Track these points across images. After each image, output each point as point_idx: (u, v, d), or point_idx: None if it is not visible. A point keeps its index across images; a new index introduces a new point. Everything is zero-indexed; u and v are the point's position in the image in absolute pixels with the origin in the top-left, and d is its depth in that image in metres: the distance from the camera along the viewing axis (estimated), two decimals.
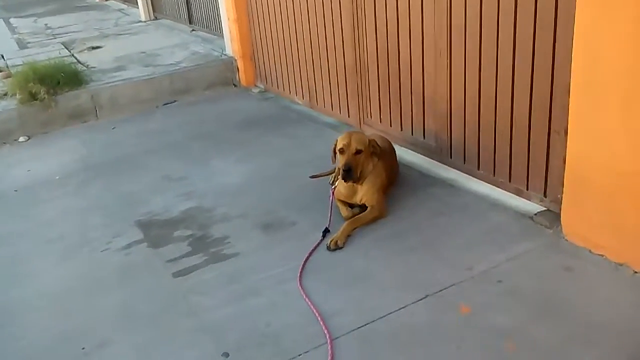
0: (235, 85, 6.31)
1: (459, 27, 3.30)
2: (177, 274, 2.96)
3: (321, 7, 4.60)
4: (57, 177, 4.32)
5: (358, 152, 3.18)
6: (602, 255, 2.68)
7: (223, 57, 6.40)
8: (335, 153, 3.33)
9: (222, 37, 6.77)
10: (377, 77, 4.17)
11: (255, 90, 6.08)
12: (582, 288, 2.54)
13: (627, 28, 2.34)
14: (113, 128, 5.33)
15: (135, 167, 4.38)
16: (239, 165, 4.22)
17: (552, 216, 3.00)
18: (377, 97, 4.22)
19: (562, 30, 2.72)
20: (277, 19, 5.33)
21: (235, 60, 6.25)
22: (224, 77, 6.29)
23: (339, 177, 3.30)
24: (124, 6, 11.13)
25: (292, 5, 5.02)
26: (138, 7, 9.45)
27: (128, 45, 7.53)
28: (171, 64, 6.36)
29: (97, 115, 5.59)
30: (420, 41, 3.63)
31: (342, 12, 4.36)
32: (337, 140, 3.31)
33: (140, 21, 9.38)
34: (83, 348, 2.50)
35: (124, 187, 4.06)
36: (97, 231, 3.46)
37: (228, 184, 3.95)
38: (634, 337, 2.23)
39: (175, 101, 5.92)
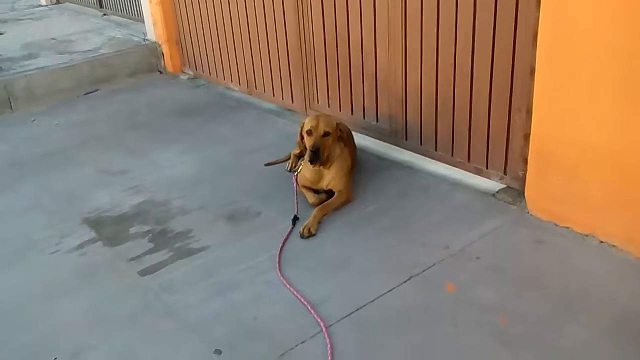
0: (160, 72, 6.00)
1: (415, 5, 3.32)
2: (143, 273, 2.77)
3: None
4: None
5: (326, 134, 3.13)
6: (568, 228, 2.83)
7: (145, 42, 6.05)
8: (302, 136, 3.25)
9: (140, 21, 6.43)
10: (324, 60, 4.11)
11: (184, 77, 5.82)
12: (555, 260, 2.66)
13: (594, 7, 2.45)
14: (33, 120, 4.88)
15: (67, 162, 4.04)
16: (185, 156, 4.01)
17: (514, 193, 3.12)
18: (325, 81, 4.17)
19: (523, 12, 2.81)
20: None
21: (160, 45, 5.94)
22: (148, 63, 5.96)
23: (305, 161, 3.23)
24: None
25: None
26: None
27: (33, 31, 6.93)
28: (89, 50, 5.92)
29: (11, 107, 5.09)
30: (373, 19, 3.60)
31: None
32: (304, 123, 3.24)
33: (41, 5, 8.66)
34: (55, 359, 2.26)
35: (59, 183, 3.73)
36: (42, 232, 3.15)
37: (177, 175, 3.74)
38: (613, 302, 2.37)
39: (97, 90, 5.53)
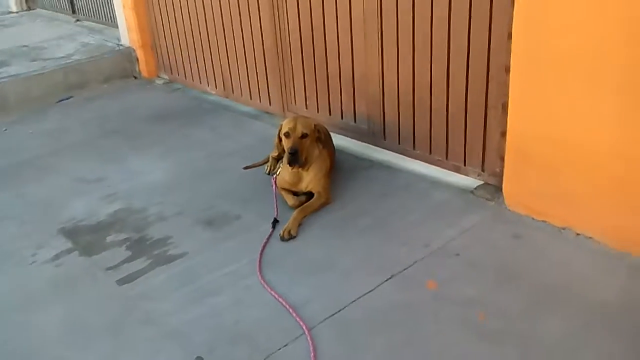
0: (135, 77, 5.94)
1: (391, 5, 3.32)
2: (122, 282, 2.72)
3: None
4: None
5: (304, 136, 3.12)
6: (545, 221, 2.86)
7: (119, 47, 5.99)
8: (280, 139, 3.23)
9: (114, 26, 6.35)
10: (301, 61, 4.10)
11: (159, 82, 5.77)
12: (533, 253, 2.69)
13: (567, 5, 2.48)
14: (4, 130, 4.79)
15: (42, 171, 3.96)
16: (161, 162, 3.97)
17: (492, 189, 3.14)
18: (302, 82, 4.16)
19: (498, 10, 2.83)
20: (181, 2, 5.07)
21: (134, 50, 5.88)
22: (122, 69, 5.90)
23: (284, 163, 3.22)
24: None
25: None
26: None
27: (3, 38, 6.81)
28: (62, 57, 5.84)
29: None
30: (349, 20, 3.61)
31: None
32: (281, 125, 3.22)
33: (11, 12, 8.52)
34: None
35: (34, 193, 3.66)
36: (17, 243, 3.09)
37: (154, 181, 3.70)
38: (590, 293, 2.39)
39: (71, 97, 5.45)
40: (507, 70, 2.81)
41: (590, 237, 2.70)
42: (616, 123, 2.47)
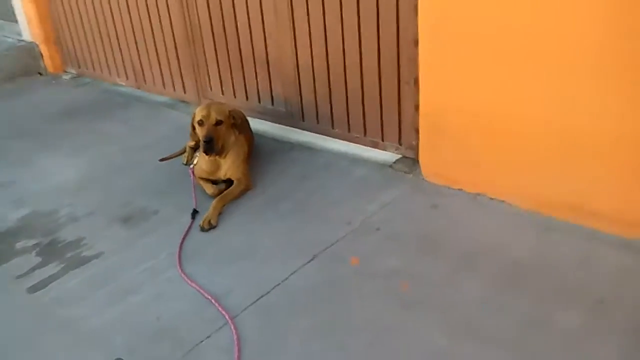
0: (41, 74, 5.62)
1: None
2: (32, 289, 2.57)
3: None
4: None
5: (218, 122, 3.04)
6: (461, 189, 2.93)
7: (21, 43, 5.63)
8: (194, 127, 3.13)
9: (13, 20, 5.96)
10: (213, 46, 3.99)
11: (67, 77, 5.49)
12: (450, 221, 2.75)
13: None
14: None
15: None
16: (72, 159, 3.78)
17: (410, 162, 3.19)
18: (216, 68, 4.06)
19: None
20: None
21: (37, 45, 5.56)
22: (25, 65, 5.56)
23: (200, 152, 3.13)
24: None
25: None
26: None
27: None
28: None
29: None
30: (258, 6, 3.54)
31: None
32: (195, 113, 3.12)
33: None
34: None
35: None
36: None
37: (65, 181, 3.51)
38: (505, 254, 2.48)
39: None
40: (416, 43, 2.83)
41: (502, 201, 2.79)
42: (520, 91, 2.55)
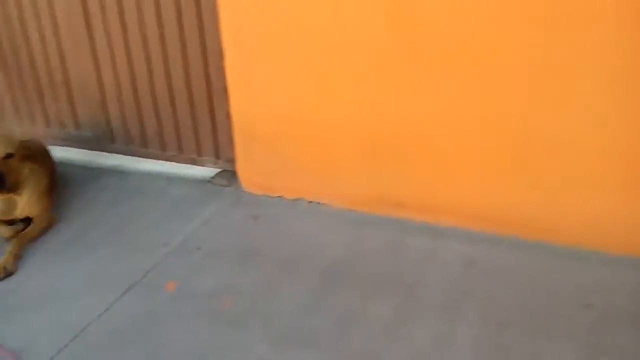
0: None
1: (95, 4, 3.08)
2: None
3: None
4: None
5: (8, 156, 2.69)
6: (280, 197, 2.92)
7: None
8: None
9: None
10: (5, 74, 3.58)
11: None
12: (271, 230, 2.72)
13: None
14: None
15: None
16: None
17: (229, 174, 3.12)
18: (11, 96, 3.64)
19: None
20: None
21: None
22: None
23: None
24: None
25: None
26: None
27: None
28: None
29: None
30: (54, 20, 3.24)
31: None
32: None
33: None
34: None
35: None
36: None
37: None
38: (323, 254, 2.50)
39: None
40: (222, 54, 2.78)
41: (319, 203, 2.84)
42: (326, 94, 2.61)
